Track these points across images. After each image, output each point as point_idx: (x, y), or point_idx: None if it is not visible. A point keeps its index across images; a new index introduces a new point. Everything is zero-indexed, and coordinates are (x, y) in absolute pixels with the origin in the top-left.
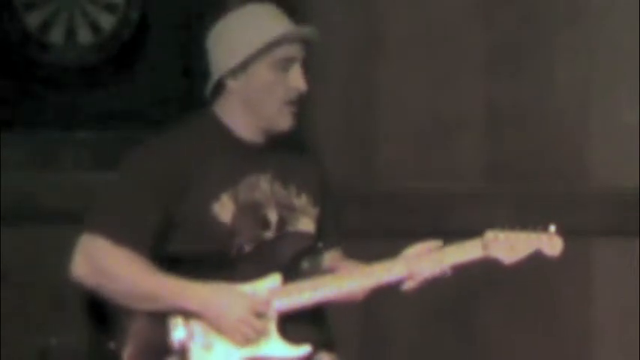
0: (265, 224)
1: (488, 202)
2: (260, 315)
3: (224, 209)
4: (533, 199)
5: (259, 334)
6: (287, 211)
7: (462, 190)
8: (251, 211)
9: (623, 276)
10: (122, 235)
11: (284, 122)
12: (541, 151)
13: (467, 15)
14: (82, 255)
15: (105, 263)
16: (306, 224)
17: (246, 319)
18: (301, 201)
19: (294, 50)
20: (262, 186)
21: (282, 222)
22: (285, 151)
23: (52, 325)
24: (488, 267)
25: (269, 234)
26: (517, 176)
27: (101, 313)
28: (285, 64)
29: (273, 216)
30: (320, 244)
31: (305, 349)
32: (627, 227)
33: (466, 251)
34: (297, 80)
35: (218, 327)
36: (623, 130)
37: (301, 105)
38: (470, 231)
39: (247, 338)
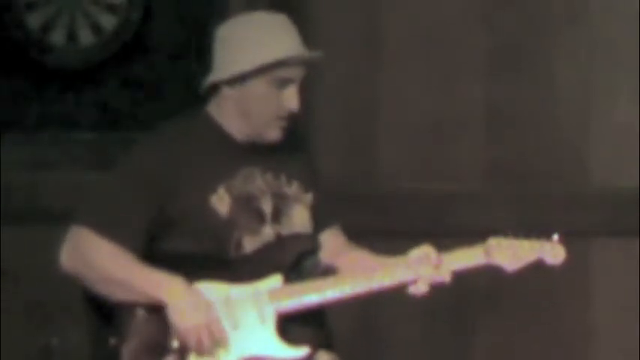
0: (261, 216)
1: (488, 202)
2: (214, 335)
3: (221, 202)
4: (533, 199)
5: (208, 349)
6: (280, 201)
7: (462, 190)
8: (246, 203)
9: (623, 276)
10: (107, 229)
11: (272, 135)
12: (541, 151)
13: (467, 16)
14: (68, 245)
15: (89, 252)
16: (299, 213)
17: (202, 328)
18: (292, 189)
19: (294, 71)
20: (256, 179)
21: (276, 212)
22: (270, 144)
23: (53, 324)
24: (487, 267)
25: (267, 228)
26: (517, 176)
27: (102, 310)
28: (283, 83)
29: (267, 207)
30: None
31: (304, 350)
32: (627, 227)
33: (468, 257)
34: (291, 100)
35: (173, 324)
36: (623, 130)
37: (294, 119)
38: (470, 231)
39: (200, 345)
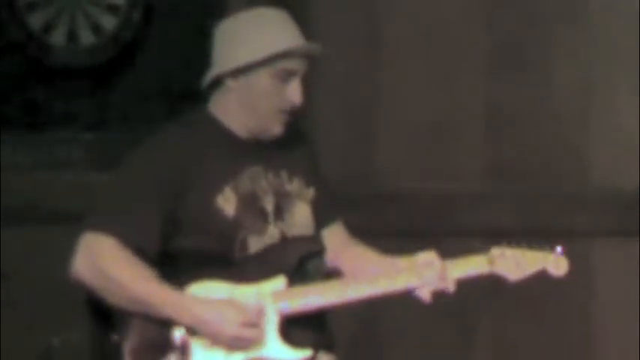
0: (264, 215)
1: (488, 202)
2: (253, 324)
3: (227, 202)
4: (533, 199)
5: (255, 343)
6: (282, 199)
7: (462, 190)
8: (251, 203)
9: (623, 276)
10: (127, 234)
11: (274, 128)
12: (541, 151)
13: (467, 15)
14: (83, 254)
15: (105, 265)
16: (301, 210)
17: (239, 335)
18: (294, 186)
19: (297, 64)
20: (259, 177)
21: (278, 210)
22: (272, 139)
23: (54, 324)
24: (490, 276)
25: (270, 227)
26: (517, 176)
27: (104, 308)
28: (286, 76)
29: (269, 206)
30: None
31: (306, 352)
32: (627, 227)
33: (471, 266)
34: (294, 94)
35: (214, 341)
36: (623, 131)
37: (300, 108)
38: (470, 231)
39: (244, 349)
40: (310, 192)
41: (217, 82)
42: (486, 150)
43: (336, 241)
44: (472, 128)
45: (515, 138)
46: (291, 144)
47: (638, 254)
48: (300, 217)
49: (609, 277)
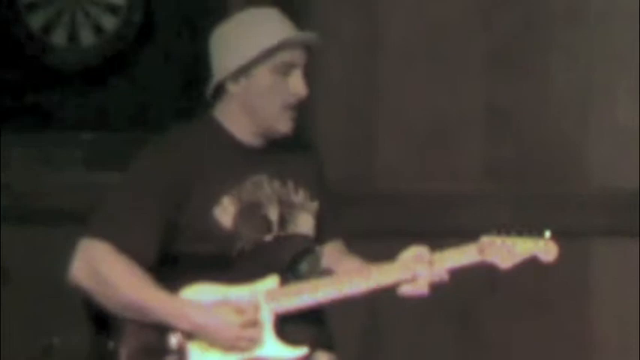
0: (267, 224)
1: (488, 202)
2: (252, 324)
3: (225, 213)
4: (533, 199)
5: (256, 342)
6: (287, 209)
7: (462, 190)
8: (252, 213)
9: (623, 276)
10: (125, 242)
11: (283, 126)
12: (541, 151)
13: (467, 16)
14: (81, 259)
15: (103, 270)
16: (305, 221)
17: (239, 336)
18: (299, 197)
19: (295, 55)
20: (263, 186)
21: (282, 220)
22: (280, 148)
23: (55, 324)
24: (487, 268)
25: (270, 236)
26: (517, 177)
27: (101, 312)
28: (287, 69)
29: (274, 215)
30: (318, 246)
31: (303, 350)
32: (627, 227)
33: (462, 255)
34: (297, 86)
35: (214, 345)
36: (623, 131)
37: (301, 108)
38: (470, 231)
39: (244, 349)
40: (315, 205)
41: (220, 90)
42: (486, 150)
43: (334, 258)
44: (472, 128)
45: (515, 138)
46: (299, 155)
47: (638, 254)
48: (303, 228)
49: (608, 277)
